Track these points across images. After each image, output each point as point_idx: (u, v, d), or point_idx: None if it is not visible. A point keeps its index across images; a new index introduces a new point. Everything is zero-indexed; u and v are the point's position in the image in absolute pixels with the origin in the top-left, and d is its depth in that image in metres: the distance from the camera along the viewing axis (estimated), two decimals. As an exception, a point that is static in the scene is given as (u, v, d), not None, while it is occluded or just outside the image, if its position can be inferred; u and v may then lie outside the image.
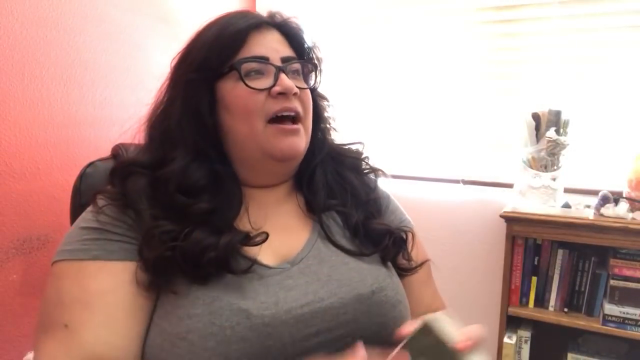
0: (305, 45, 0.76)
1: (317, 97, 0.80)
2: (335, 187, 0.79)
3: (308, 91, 0.74)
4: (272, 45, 0.71)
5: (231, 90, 0.68)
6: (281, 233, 0.72)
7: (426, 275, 0.84)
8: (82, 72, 1.33)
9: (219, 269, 0.61)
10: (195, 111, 0.69)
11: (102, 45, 1.39)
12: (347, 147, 0.85)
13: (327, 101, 0.83)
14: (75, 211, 0.83)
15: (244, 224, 0.69)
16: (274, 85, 0.68)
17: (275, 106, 0.68)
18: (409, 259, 0.79)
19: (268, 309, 0.61)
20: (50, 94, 1.25)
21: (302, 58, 0.75)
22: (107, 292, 0.60)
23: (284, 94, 0.68)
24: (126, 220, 0.64)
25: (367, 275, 0.70)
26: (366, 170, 0.85)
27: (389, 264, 0.76)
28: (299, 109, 0.70)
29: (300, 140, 0.71)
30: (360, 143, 0.86)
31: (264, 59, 0.69)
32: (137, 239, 0.63)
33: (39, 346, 0.60)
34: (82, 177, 0.85)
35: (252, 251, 0.66)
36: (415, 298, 0.80)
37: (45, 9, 1.23)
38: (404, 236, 0.78)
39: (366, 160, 0.85)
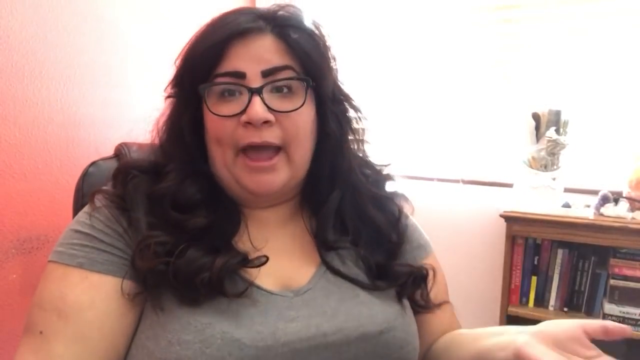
0: (306, 50, 0.64)
1: (335, 104, 0.69)
2: (350, 220, 0.71)
3: (300, 112, 0.63)
4: (255, 55, 0.61)
5: (206, 112, 0.63)
6: (284, 257, 0.67)
7: (444, 297, 0.78)
8: (82, 72, 1.33)
9: (211, 291, 0.58)
10: (178, 129, 0.66)
11: (101, 45, 1.39)
12: (376, 167, 0.77)
13: (356, 109, 0.73)
14: (77, 211, 0.83)
15: (244, 242, 0.65)
16: (243, 112, 0.60)
17: (242, 138, 0.61)
18: (427, 301, 0.72)
19: (263, 340, 0.57)
20: (50, 94, 1.25)
21: (303, 64, 0.64)
22: (84, 308, 0.58)
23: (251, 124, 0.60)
24: (117, 229, 0.62)
25: (377, 312, 0.64)
26: (389, 196, 0.76)
27: (404, 299, 0.70)
28: (274, 140, 0.61)
29: (274, 177, 0.63)
30: (388, 165, 0.78)
31: (240, 76, 0.61)
32: (125, 251, 0.61)
33: (18, 348, 0.59)
34: (85, 176, 0.85)
35: (250, 273, 0.61)
36: (432, 324, 0.76)
37: (45, 9, 1.23)
38: (425, 273, 0.71)
39: (389, 189, 0.76)
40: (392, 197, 0.76)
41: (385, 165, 0.78)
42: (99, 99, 1.39)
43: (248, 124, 0.60)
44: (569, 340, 0.54)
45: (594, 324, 0.54)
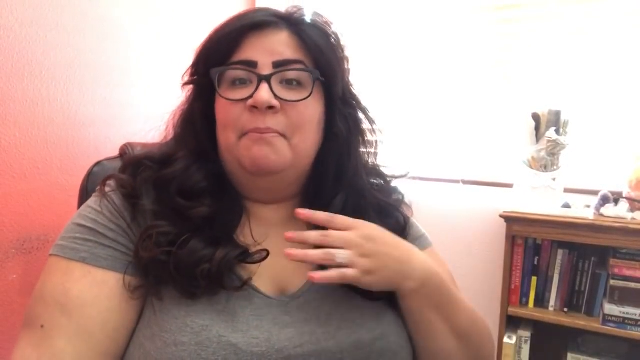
0: (320, 47, 0.66)
1: (345, 105, 0.70)
2: None
3: (306, 104, 0.64)
4: (269, 47, 0.63)
5: (217, 98, 0.65)
6: (283, 259, 0.64)
7: None
8: (82, 72, 1.33)
9: (210, 283, 0.59)
10: (191, 116, 0.68)
11: (102, 45, 1.39)
12: (386, 176, 0.76)
13: (365, 113, 0.72)
14: (81, 211, 0.83)
15: (245, 235, 0.66)
16: (250, 96, 0.61)
17: (248, 123, 0.62)
18: None
19: (258, 346, 0.57)
20: (50, 94, 1.25)
21: (316, 62, 0.65)
22: (87, 304, 0.58)
23: (257, 108, 0.61)
24: (121, 225, 0.62)
25: (371, 318, 0.64)
26: (393, 205, 0.75)
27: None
28: (277, 127, 0.62)
29: (272, 151, 0.62)
30: (403, 176, 0.78)
31: (251, 65, 0.63)
32: (128, 247, 0.62)
33: (18, 342, 0.59)
34: (90, 176, 0.85)
35: (248, 270, 0.62)
36: None
37: (45, 9, 1.23)
38: None
39: (396, 202, 0.75)
40: (397, 204, 0.76)
41: (397, 177, 0.78)
42: (99, 99, 1.39)
43: (254, 108, 0.61)
44: None
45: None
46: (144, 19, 1.53)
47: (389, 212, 0.74)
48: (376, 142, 0.75)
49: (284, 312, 0.62)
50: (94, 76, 1.37)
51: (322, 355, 0.60)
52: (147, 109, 1.45)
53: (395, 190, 0.78)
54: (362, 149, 0.74)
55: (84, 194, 0.84)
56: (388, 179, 0.77)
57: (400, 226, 0.74)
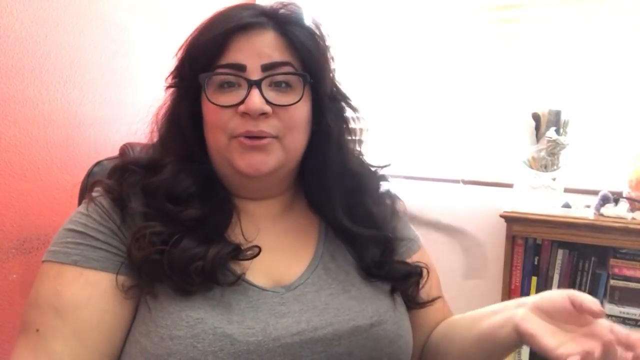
0: (308, 48, 0.65)
1: (332, 102, 0.71)
2: (347, 215, 0.71)
3: (297, 107, 0.64)
4: (256, 49, 0.63)
5: (204, 102, 0.65)
6: (275, 253, 0.67)
7: (437, 291, 0.79)
8: (82, 72, 1.33)
9: (204, 279, 0.59)
10: (177, 118, 0.68)
11: (102, 45, 1.39)
12: (371, 168, 0.78)
13: (353, 109, 0.74)
14: (80, 210, 0.83)
15: (236, 234, 0.65)
16: (241, 102, 0.61)
17: (239, 127, 0.62)
18: (419, 298, 0.73)
19: (254, 336, 0.58)
20: (50, 94, 1.25)
21: (304, 62, 0.65)
22: (81, 305, 0.58)
23: (249, 114, 0.61)
24: (111, 227, 0.62)
25: (367, 306, 0.65)
26: (383, 193, 0.77)
27: (396, 293, 0.71)
28: (270, 130, 0.62)
29: (267, 157, 0.63)
30: (385, 167, 0.79)
31: (240, 68, 0.62)
32: (119, 248, 0.62)
33: (15, 348, 0.59)
34: (89, 176, 0.85)
35: (241, 266, 0.62)
36: (427, 317, 0.76)
37: (45, 9, 1.23)
38: (419, 272, 0.72)
39: (386, 187, 0.78)
40: (386, 195, 0.78)
41: (382, 167, 0.79)
42: (99, 99, 1.39)
43: (245, 114, 0.61)
44: (560, 313, 0.57)
45: (576, 296, 0.56)
46: (145, 18, 1.53)
47: (380, 201, 0.76)
48: (360, 138, 0.78)
49: (279, 302, 0.62)
50: (94, 76, 1.37)
51: (318, 343, 0.60)
52: (147, 109, 1.45)
53: (382, 179, 0.80)
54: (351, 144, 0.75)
55: (84, 194, 0.84)
56: (373, 170, 0.79)
57: (390, 214, 0.76)
